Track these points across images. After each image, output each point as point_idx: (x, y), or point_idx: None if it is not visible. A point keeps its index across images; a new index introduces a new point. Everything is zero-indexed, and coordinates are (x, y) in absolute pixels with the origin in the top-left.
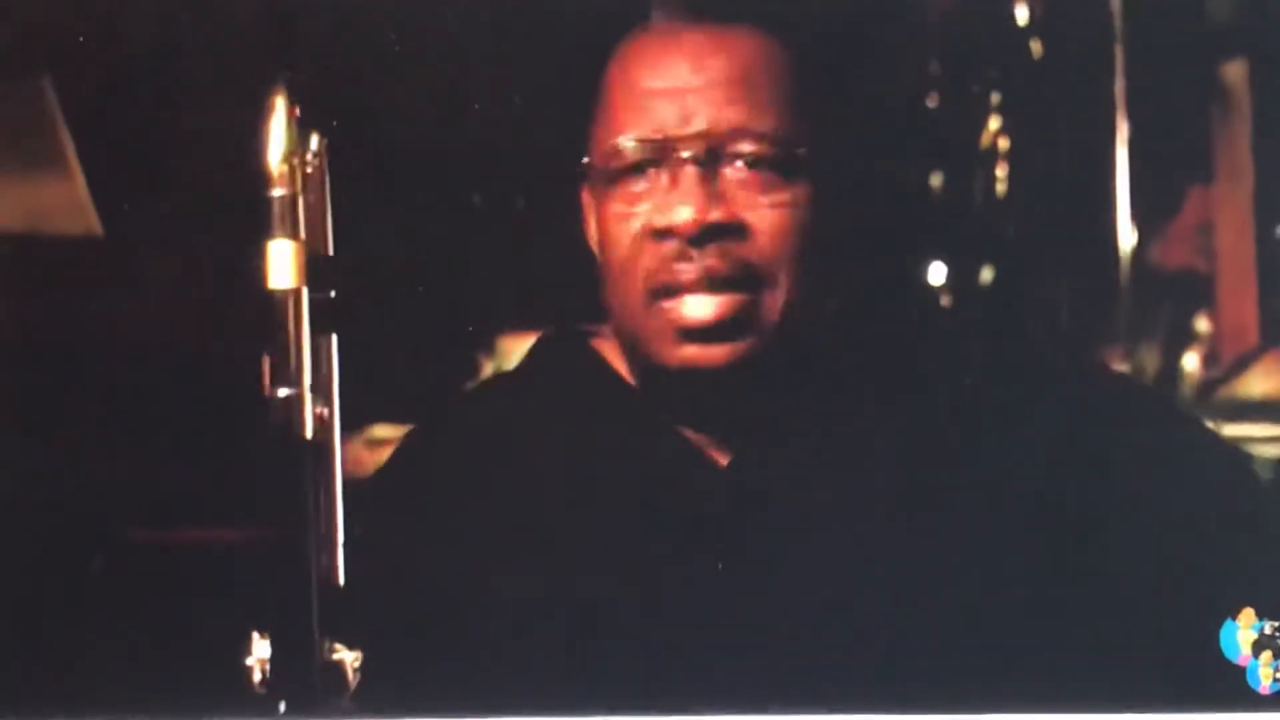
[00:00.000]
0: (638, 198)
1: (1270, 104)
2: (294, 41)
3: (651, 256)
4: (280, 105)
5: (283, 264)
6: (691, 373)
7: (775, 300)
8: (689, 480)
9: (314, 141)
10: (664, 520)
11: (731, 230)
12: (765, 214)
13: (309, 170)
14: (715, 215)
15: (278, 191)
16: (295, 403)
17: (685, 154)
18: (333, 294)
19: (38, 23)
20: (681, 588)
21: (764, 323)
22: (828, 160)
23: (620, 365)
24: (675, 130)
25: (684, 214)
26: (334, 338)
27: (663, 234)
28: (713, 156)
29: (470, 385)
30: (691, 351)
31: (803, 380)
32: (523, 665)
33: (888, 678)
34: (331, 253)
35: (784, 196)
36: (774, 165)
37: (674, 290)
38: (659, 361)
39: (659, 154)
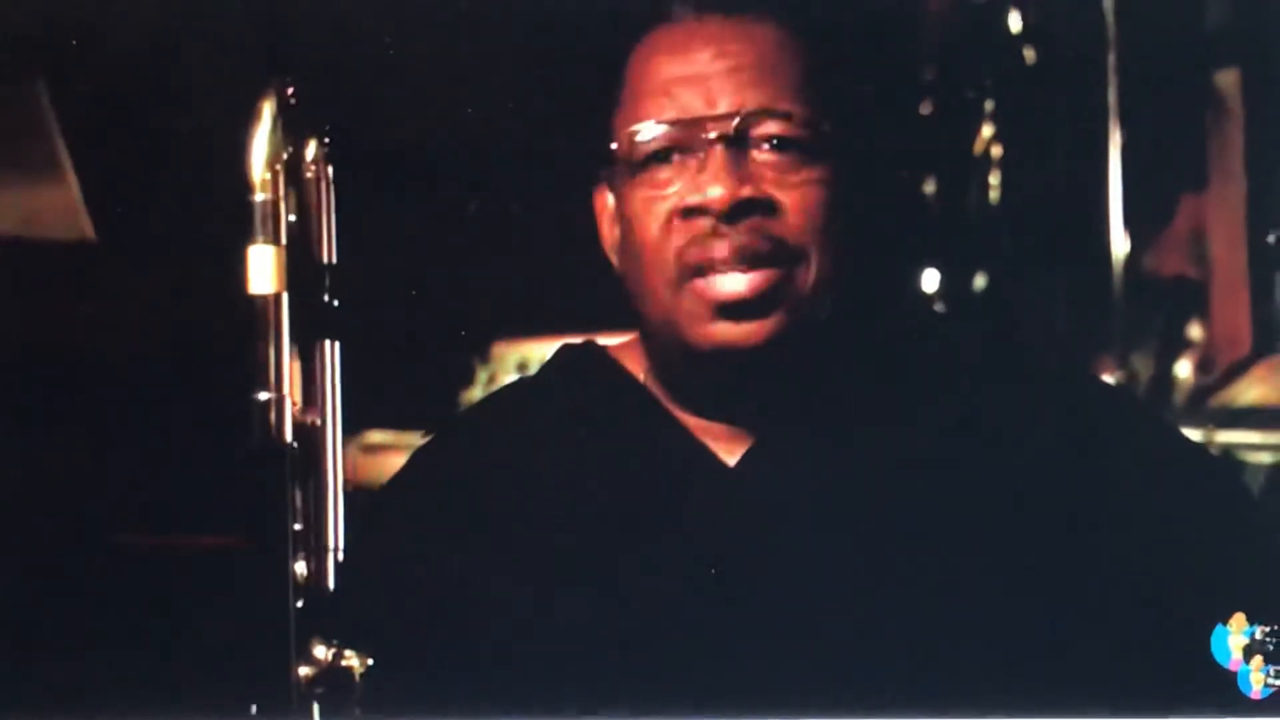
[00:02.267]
0: (666, 182)
1: (1263, 112)
2: (288, 48)
3: (682, 236)
4: (266, 111)
5: (263, 269)
6: (722, 353)
7: (807, 276)
8: (698, 480)
9: (311, 148)
10: (672, 521)
11: (762, 206)
12: (794, 191)
13: (309, 176)
14: (746, 192)
15: (260, 196)
16: (275, 407)
17: (712, 135)
18: (334, 302)
19: (32, 28)
20: (689, 590)
21: (797, 298)
22: (851, 141)
23: (637, 370)
24: (702, 112)
25: (716, 191)
26: (334, 345)
27: (694, 212)
28: (739, 137)
29: (490, 391)
30: (724, 329)
31: (824, 367)
32: (529, 668)
33: (884, 681)
34: (331, 260)
35: (810, 174)
36: (800, 145)
37: (707, 268)
38: (690, 343)
39: (686, 138)
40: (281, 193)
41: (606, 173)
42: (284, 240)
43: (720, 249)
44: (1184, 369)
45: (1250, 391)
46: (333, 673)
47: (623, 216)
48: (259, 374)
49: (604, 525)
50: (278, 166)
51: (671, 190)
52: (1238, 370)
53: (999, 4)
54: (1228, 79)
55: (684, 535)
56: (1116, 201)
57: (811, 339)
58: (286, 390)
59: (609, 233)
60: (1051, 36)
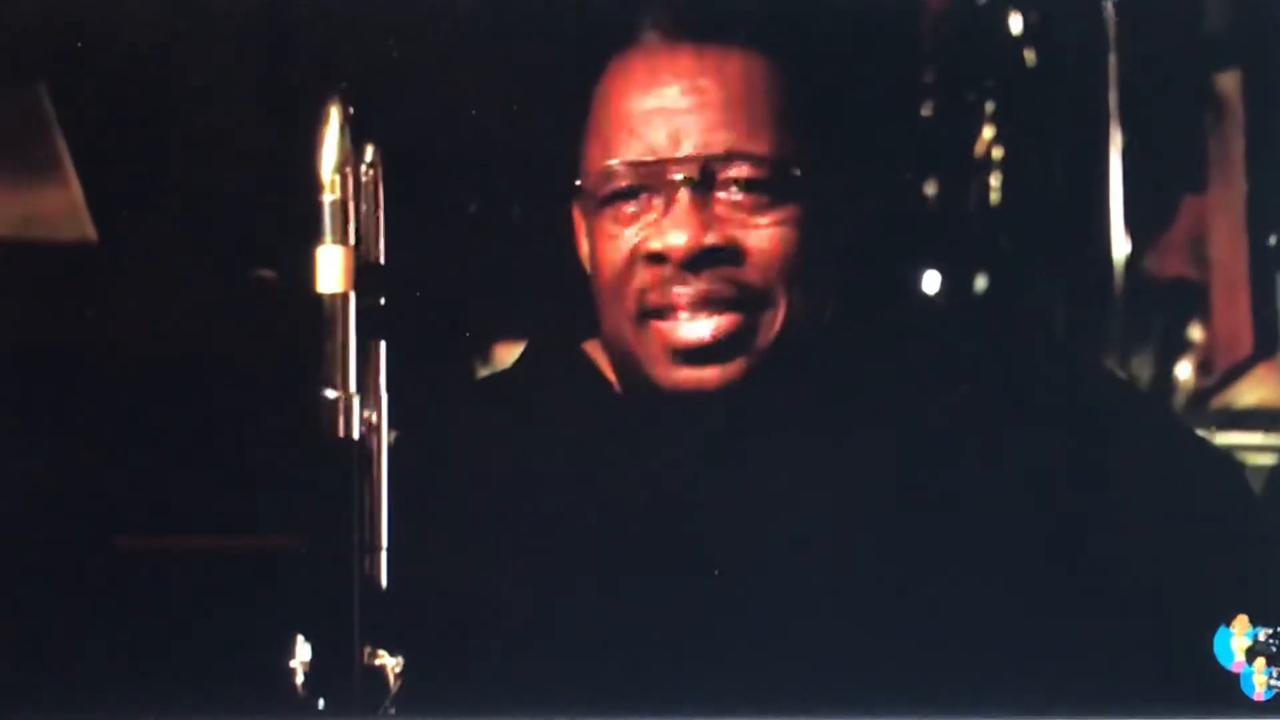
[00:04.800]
0: (630, 219)
1: (1264, 113)
2: (296, 53)
3: (644, 279)
4: (334, 114)
5: (332, 269)
6: (684, 396)
7: (772, 320)
8: (668, 480)
9: (369, 151)
10: (648, 523)
11: (726, 254)
12: (759, 235)
13: (364, 179)
14: (710, 239)
15: (329, 198)
16: (341, 405)
17: (678, 177)
18: (382, 301)
19: (33, 29)
20: (668, 592)
21: (759, 343)
22: (821, 179)
23: (609, 371)
24: (667, 153)
25: (678, 239)
26: (382, 344)
27: (656, 258)
28: (706, 179)
29: (460, 387)
30: (685, 374)
31: (794, 399)
32: (515, 669)
33: (883, 683)
34: (381, 260)
35: (777, 216)
36: (767, 187)
37: (667, 311)
38: (652, 382)
39: (651, 177)
40: (350, 194)
41: (580, 197)
42: (352, 241)
43: (682, 295)
44: (1184, 371)
45: (1251, 393)
46: (367, 673)
47: (590, 245)
48: (327, 372)
49: (576, 524)
50: (347, 169)
51: (635, 229)
52: (1238, 372)
53: (999, 6)
54: (1228, 81)
55: (662, 537)
56: (1117, 203)
57: (775, 380)
58: (353, 388)
59: (583, 247)
60: (1052, 38)
